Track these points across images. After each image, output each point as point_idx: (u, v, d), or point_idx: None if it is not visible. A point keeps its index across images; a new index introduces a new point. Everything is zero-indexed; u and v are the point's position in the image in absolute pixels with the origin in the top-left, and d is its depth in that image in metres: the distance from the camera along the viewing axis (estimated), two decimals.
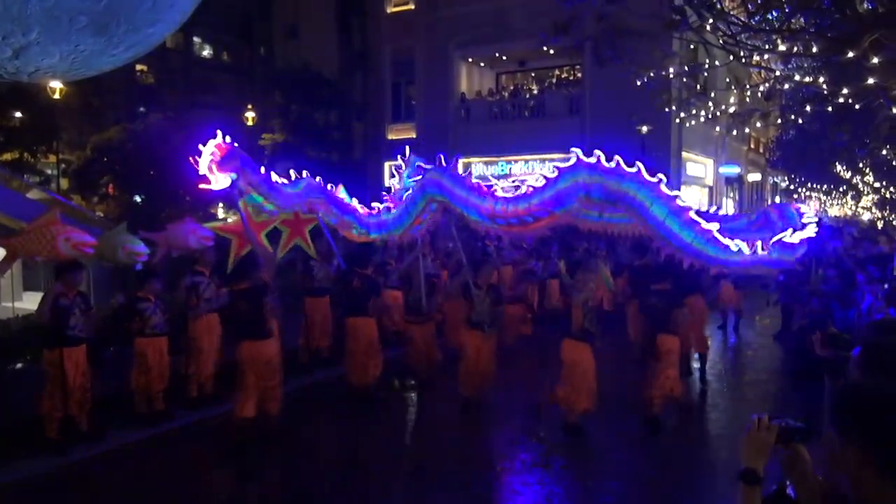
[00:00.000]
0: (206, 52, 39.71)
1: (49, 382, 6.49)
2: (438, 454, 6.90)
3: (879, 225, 26.75)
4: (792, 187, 34.91)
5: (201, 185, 7.29)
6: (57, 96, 18.59)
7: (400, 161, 8.43)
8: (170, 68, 34.43)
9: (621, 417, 7.87)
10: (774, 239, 5.60)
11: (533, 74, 28.15)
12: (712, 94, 13.70)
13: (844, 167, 23.77)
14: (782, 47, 8.33)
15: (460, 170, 7.14)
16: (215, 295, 8.02)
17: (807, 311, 9.32)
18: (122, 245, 7.12)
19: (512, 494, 5.98)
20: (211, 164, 6.94)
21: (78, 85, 20.27)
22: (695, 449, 7.15)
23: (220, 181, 7.10)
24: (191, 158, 7.09)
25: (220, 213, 22.58)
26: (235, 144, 7.20)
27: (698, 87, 14.09)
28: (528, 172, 22.79)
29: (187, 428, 7.43)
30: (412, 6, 27.43)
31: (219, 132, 7.00)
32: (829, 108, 11.11)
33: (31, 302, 10.05)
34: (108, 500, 5.97)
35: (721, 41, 8.61)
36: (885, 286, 7.42)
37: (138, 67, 31.91)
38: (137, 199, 21.50)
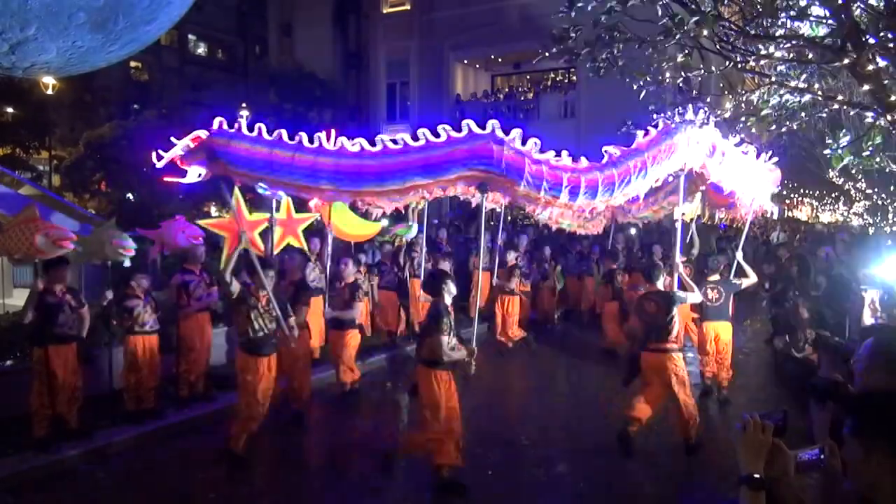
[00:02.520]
0: (201, 49, 39.66)
1: (37, 380, 6.44)
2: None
3: (871, 231, 26.87)
4: (784, 192, 35.07)
5: (165, 178, 6.75)
6: (50, 92, 18.51)
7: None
8: (164, 66, 34.34)
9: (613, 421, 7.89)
10: None
11: (528, 77, 28.20)
12: (707, 100, 13.72)
13: (836, 173, 23.88)
14: (777, 53, 8.35)
15: None
16: (206, 293, 7.99)
17: (794, 317, 9.37)
18: (110, 240, 7.07)
19: (505, 496, 5.98)
20: (176, 159, 6.35)
21: (71, 81, 20.19)
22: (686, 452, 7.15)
23: (195, 172, 6.44)
24: (156, 151, 6.43)
25: (213, 212, 22.53)
26: (221, 127, 6.25)
27: (693, 92, 14.12)
28: None
29: (177, 426, 7.39)
30: (408, 7, 27.44)
31: (217, 120, 6.27)
32: (823, 115, 11.15)
33: (20, 298, 9.98)
34: (97, 499, 5.94)
35: (717, 46, 8.63)
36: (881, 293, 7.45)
37: (132, 64, 31.82)
38: (130, 196, 21.41)
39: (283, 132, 6.11)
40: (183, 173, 6.43)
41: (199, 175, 6.41)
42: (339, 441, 7.39)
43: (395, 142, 5.85)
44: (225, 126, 6.21)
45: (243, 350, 6.57)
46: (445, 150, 5.58)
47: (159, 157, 6.32)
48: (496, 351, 10.65)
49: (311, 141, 6.00)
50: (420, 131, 5.68)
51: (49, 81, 17.54)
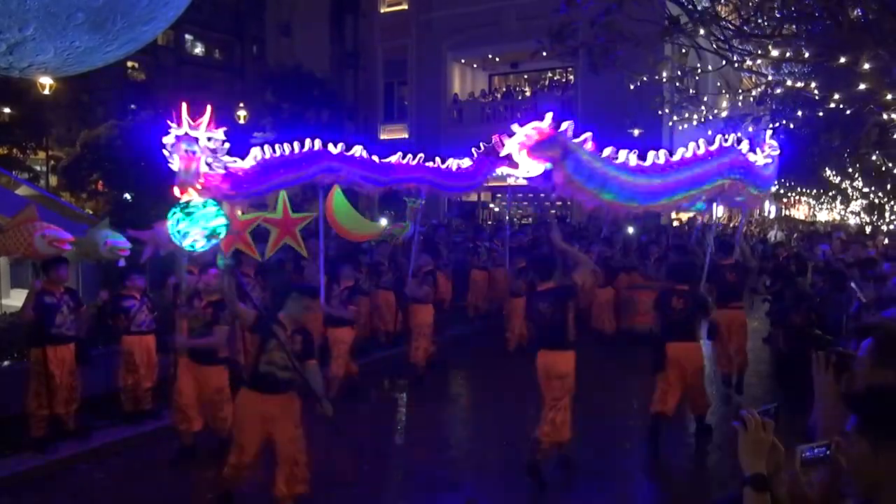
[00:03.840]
0: (198, 49, 39.62)
1: (35, 381, 6.43)
2: (428, 455, 6.89)
3: (868, 230, 26.95)
4: (782, 191, 35.10)
5: (503, 169, 6.37)
6: (47, 92, 18.48)
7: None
8: (161, 65, 34.31)
9: (623, 415, 7.89)
10: None
11: (525, 76, 28.19)
12: (704, 98, 13.76)
13: (834, 172, 23.94)
14: (774, 52, 8.38)
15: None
16: None
17: (793, 315, 9.39)
18: (104, 240, 7.04)
19: (503, 495, 5.99)
20: (521, 146, 5.57)
21: (68, 81, 20.15)
22: (683, 452, 7.17)
23: (529, 168, 5.70)
24: (496, 137, 6.06)
25: None
26: (565, 127, 5.58)
27: (690, 91, 14.15)
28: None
29: (173, 427, 7.36)
30: (406, 6, 27.43)
31: (549, 114, 5.57)
32: (820, 114, 11.18)
33: (18, 299, 9.96)
34: (94, 500, 5.94)
35: (714, 45, 8.66)
36: (874, 294, 7.49)
37: (129, 64, 31.77)
38: (127, 196, 21.37)
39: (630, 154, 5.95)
40: (515, 165, 5.81)
41: (528, 172, 5.74)
42: (339, 440, 7.38)
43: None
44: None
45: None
46: (714, 162, 6.34)
47: (501, 144, 5.81)
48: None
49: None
50: (691, 145, 6.32)
51: (46, 81, 17.49)
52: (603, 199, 5.85)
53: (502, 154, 5.85)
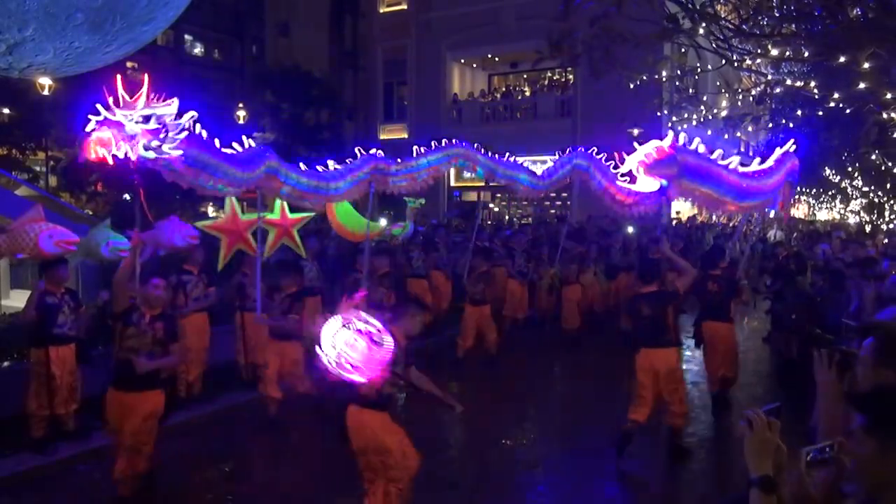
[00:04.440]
0: (198, 49, 39.58)
1: (35, 381, 6.43)
2: (428, 455, 6.88)
3: (867, 229, 26.92)
4: (780, 190, 35.03)
5: (620, 182, 6.78)
6: (46, 93, 18.45)
7: None
8: (160, 65, 34.25)
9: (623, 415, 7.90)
10: None
11: (525, 76, 28.21)
12: (704, 98, 13.76)
13: (833, 171, 23.93)
14: (774, 52, 8.38)
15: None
16: (203, 294, 7.98)
17: (793, 315, 9.39)
18: (106, 241, 7.04)
19: (503, 495, 5.98)
20: (640, 164, 6.25)
21: (67, 81, 20.14)
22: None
23: (645, 183, 6.44)
24: (618, 153, 6.61)
25: (211, 212, 22.48)
26: (683, 142, 6.27)
27: (690, 90, 14.16)
28: None
29: (175, 427, 7.36)
30: (405, 6, 27.44)
31: (670, 132, 6.28)
32: (820, 113, 11.18)
33: (18, 300, 9.96)
34: (94, 499, 5.94)
35: (714, 45, 8.66)
36: (873, 293, 7.49)
37: (128, 64, 31.70)
38: (127, 196, 21.34)
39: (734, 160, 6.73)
40: (634, 180, 6.56)
41: (645, 187, 6.49)
42: (338, 440, 7.37)
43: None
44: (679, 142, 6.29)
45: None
46: (785, 167, 7.08)
47: (622, 161, 6.47)
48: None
49: None
50: (777, 151, 7.12)
51: (45, 82, 17.48)
52: (716, 196, 6.50)
53: (622, 170, 6.46)
